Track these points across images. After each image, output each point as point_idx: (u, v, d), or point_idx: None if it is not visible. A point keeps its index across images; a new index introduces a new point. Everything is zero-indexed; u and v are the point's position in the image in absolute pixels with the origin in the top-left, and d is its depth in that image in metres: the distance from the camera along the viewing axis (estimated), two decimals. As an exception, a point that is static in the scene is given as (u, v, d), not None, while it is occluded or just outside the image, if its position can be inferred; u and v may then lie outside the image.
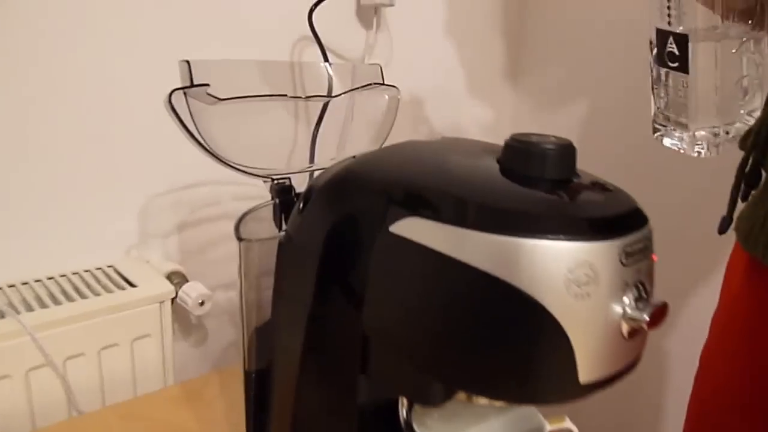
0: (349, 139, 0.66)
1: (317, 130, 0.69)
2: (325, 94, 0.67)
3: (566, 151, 0.39)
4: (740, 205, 0.59)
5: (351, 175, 0.43)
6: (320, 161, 0.64)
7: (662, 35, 0.44)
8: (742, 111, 0.47)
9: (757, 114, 0.46)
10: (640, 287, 0.38)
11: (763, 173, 0.57)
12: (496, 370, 0.37)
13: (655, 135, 0.48)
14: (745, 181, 0.58)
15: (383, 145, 0.65)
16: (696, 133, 0.47)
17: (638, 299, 0.37)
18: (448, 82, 1.20)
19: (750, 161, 0.57)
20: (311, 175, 0.61)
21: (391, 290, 0.40)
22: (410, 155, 0.44)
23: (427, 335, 0.39)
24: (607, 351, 0.37)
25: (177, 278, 0.84)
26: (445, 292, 0.38)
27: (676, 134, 0.45)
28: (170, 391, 0.76)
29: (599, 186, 0.40)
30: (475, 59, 1.22)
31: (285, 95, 0.62)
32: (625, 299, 0.37)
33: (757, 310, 0.58)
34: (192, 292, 0.80)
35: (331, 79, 0.68)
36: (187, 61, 0.52)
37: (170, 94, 0.51)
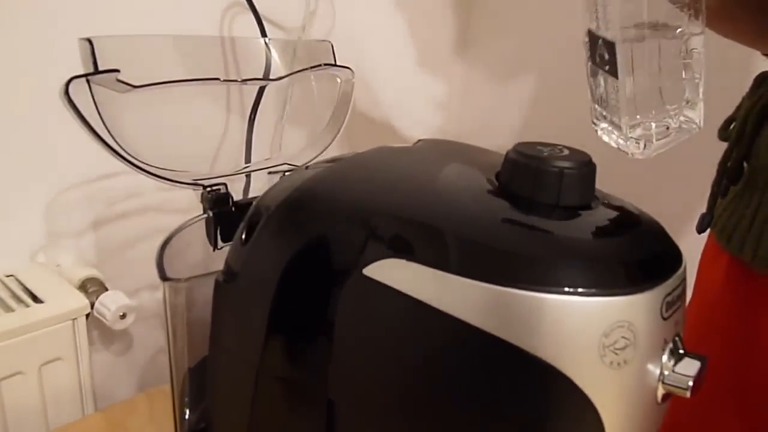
0: (292, 132, 0.56)
1: (253, 122, 0.58)
2: (264, 76, 0.57)
3: (587, 170, 0.31)
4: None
5: (312, 197, 0.33)
6: (257, 160, 0.54)
7: (593, 37, 0.39)
8: (677, 108, 0.44)
9: (699, 106, 0.43)
10: (677, 341, 0.31)
11: (746, 168, 0.52)
12: (503, 451, 0.30)
13: (595, 128, 0.43)
14: (727, 176, 0.52)
15: (337, 139, 0.55)
16: (631, 134, 0.44)
17: (676, 357, 0.30)
18: (395, 54, 1.09)
19: (732, 154, 0.51)
20: (248, 179, 0.50)
21: (365, 344, 0.32)
22: (387, 171, 0.34)
23: (410, 400, 0.31)
24: (639, 421, 0.30)
25: (93, 286, 0.72)
26: (437, 356, 0.30)
27: (614, 134, 0.40)
28: (90, 421, 0.65)
29: (624, 213, 0.32)
30: (423, 30, 1.13)
31: (217, 79, 0.51)
32: (664, 358, 0.29)
33: (738, 311, 0.53)
34: (111, 303, 0.69)
35: (270, 58, 0.57)
36: (89, 40, 0.41)
37: (67, 84, 0.39)
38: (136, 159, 0.43)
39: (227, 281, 0.35)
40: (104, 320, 0.69)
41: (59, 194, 0.75)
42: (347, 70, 0.56)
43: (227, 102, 0.56)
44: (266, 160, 0.52)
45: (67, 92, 0.39)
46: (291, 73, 0.54)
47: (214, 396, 0.37)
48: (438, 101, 1.18)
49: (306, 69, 0.55)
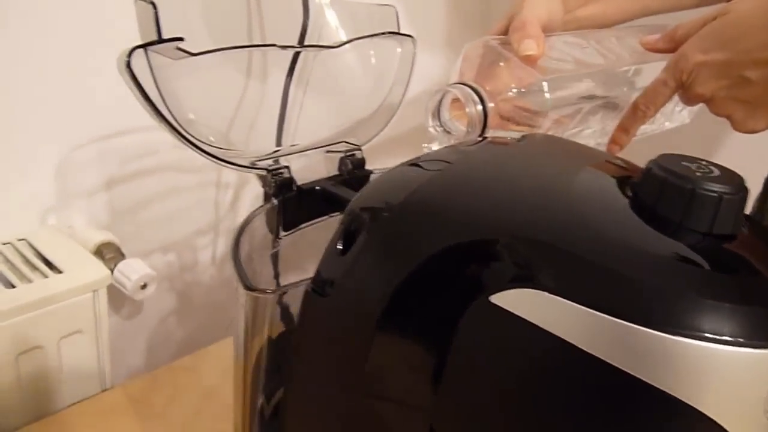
0: (353, 103, 0.51)
1: (287, 94, 0.52)
2: (299, 40, 0.51)
3: (744, 196, 0.28)
4: None
5: (430, 209, 0.29)
6: (307, 138, 0.49)
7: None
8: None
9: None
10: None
11: None
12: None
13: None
14: None
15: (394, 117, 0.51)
16: None
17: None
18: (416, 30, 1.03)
19: None
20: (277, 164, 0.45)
21: (482, 375, 0.29)
22: (509, 178, 0.31)
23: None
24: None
25: (110, 252, 0.68)
26: (571, 394, 0.27)
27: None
28: (110, 397, 0.62)
29: (775, 241, 0.29)
30: (442, 18, 1.06)
31: (274, 45, 0.46)
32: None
33: None
34: (131, 273, 0.65)
35: (306, 21, 0.51)
36: (153, 3, 0.35)
37: (129, 56, 0.34)
38: (196, 139, 0.39)
39: (321, 294, 0.31)
40: (124, 290, 0.65)
41: (70, 153, 0.69)
42: (409, 38, 0.51)
43: (263, 70, 0.51)
44: (319, 139, 0.48)
45: (129, 65, 0.34)
46: (352, 40, 0.49)
47: (291, 412, 0.34)
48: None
49: (369, 36, 0.50)
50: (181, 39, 0.37)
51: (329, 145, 0.48)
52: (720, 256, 0.27)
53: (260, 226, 0.43)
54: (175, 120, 0.37)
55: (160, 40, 0.35)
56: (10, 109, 0.63)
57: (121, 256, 0.69)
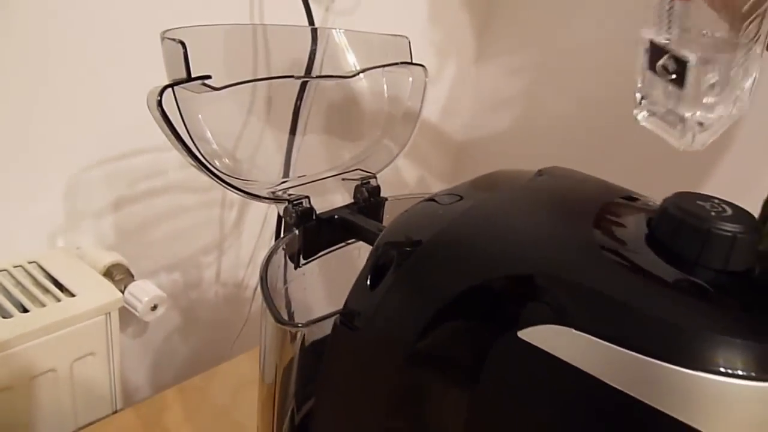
0: (367, 131, 0.52)
1: (296, 123, 0.53)
2: (307, 70, 0.52)
3: (755, 235, 0.29)
4: None
5: (458, 246, 0.31)
6: (338, 165, 0.50)
7: (656, 50, 0.38)
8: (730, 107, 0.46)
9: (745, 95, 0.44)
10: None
11: None
12: None
13: (639, 113, 0.43)
14: None
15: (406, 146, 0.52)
16: (682, 125, 0.45)
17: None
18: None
19: None
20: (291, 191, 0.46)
21: (508, 410, 0.30)
22: (531, 215, 0.32)
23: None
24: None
25: (119, 273, 0.68)
26: (600, 429, 0.28)
27: (666, 119, 0.41)
28: (122, 419, 0.63)
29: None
30: (441, 33, 1.08)
31: (291, 76, 0.47)
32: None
33: None
34: (142, 294, 0.66)
35: (314, 50, 0.52)
36: (182, 43, 0.36)
37: (161, 94, 0.35)
38: (220, 171, 0.40)
39: (350, 327, 0.32)
40: (135, 312, 0.65)
41: (78, 174, 0.70)
42: (421, 67, 0.53)
43: (283, 101, 0.52)
44: (342, 164, 0.49)
45: (160, 104, 0.35)
46: (365, 69, 0.51)
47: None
48: (452, 105, 1.14)
49: (381, 66, 0.51)
50: (209, 77, 0.38)
51: (344, 172, 0.49)
52: (734, 293, 0.29)
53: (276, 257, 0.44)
54: (202, 155, 0.38)
55: (189, 78, 0.36)
56: (18, 131, 0.63)
57: (131, 276, 0.70)
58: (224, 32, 0.48)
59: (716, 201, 0.31)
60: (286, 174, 0.53)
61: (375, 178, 0.49)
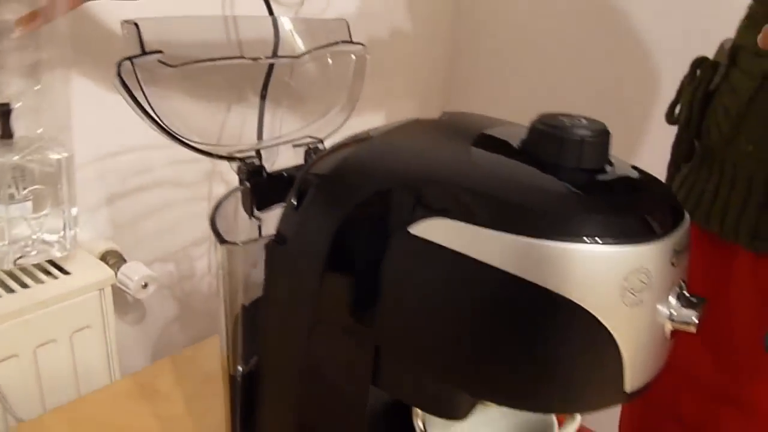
0: (316, 105, 0.59)
1: (264, 98, 0.60)
2: (273, 53, 0.59)
3: (604, 137, 0.35)
4: None
5: (359, 166, 0.37)
6: (289, 132, 0.57)
7: None
8: None
9: None
10: (683, 284, 0.35)
11: (697, 146, 0.57)
12: (536, 382, 0.34)
13: None
14: (680, 156, 0.58)
15: (351, 114, 0.59)
16: None
17: (682, 298, 0.35)
18: (389, 30, 1.12)
19: (684, 137, 0.56)
20: (257, 154, 0.52)
21: (411, 296, 0.36)
22: (423, 141, 0.38)
23: (454, 345, 0.35)
24: (652, 355, 0.35)
25: (113, 258, 0.75)
26: (478, 301, 0.34)
27: None
28: (120, 386, 0.69)
29: (635, 175, 0.37)
30: (419, 7, 1.15)
31: (242, 57, 0.54)
32: (671, 300, 0.34)
33: (708, 275, 0.58)
34: (133, 274, 0.72)
35: (278, 36, 0.59)
36: (136, 24, 0.43)
37: (119, 66, 0.42)
38: (180, 135, 0.46)
39: (280, 244, 0.39)
40: (127, 290, 0.72)
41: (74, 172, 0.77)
42: (361, 46, 0.59)
43: (241, 80, 0.59)
44: (288, 134, 0.56)
45: (119, 74, 0.42)
46: (310, 50, 0.58)
47: (268, 346, 0.41)
48: (432, 79, 1.22)
49: (325, 46, 0.58)
50: (160, 52, 0.45)
51: (296, 140, 0.55)
52: (586, 184, 0.34)
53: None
54: (161, 120, 0.45)
55: (144, 53, 0.43)
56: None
57: (124, 261, 0.76)
58: (187, 22, 0.55)
59: (576, 116, 0.37)
60: (259, 136, 0.59)
61: (322, 142, 0.55)
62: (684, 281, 0.35)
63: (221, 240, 0.39)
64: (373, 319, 0.37)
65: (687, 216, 0.36)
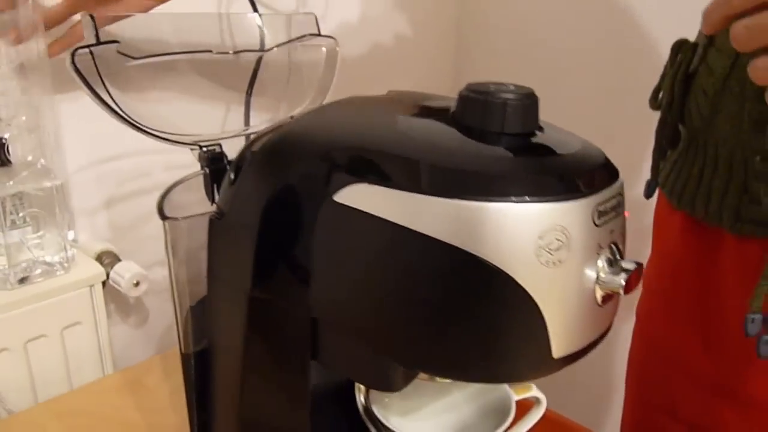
0: (287, 97, 0.60)
1: (251, 89, 0.62)
2: (257, 48, 0.61)
3: (528, 101, 0.35)
4: None
5: (288, 139, 0.37)
6: (257, 123, 0.58)
7: None
8: None
9: None
10: (614, 248, 0.35)
11: (682, 130, 0.56)
12: (461, 349, 0.34)
13: None
14: (665, 141, 0.56)
15: (324, 103, 0.59)
16: None
17: (612, 262, 0.34)
18: (386, 33, 1.13)
19: (667, 121, 0.55)
20: (247, 140, 0.55)
21: (340, 266, 0.36)
22: (354, 114, 0.39)
23: (383, 313, 0.35)
24: (581, 320, 0.34)
25: (108, 258, 0.77)
26: (400, 266, 0.34)
27: None
28: (109, 380, 0.71)
29: (565, 138, 0.36)
30: (416, 13, 1.16)
31: (210, 51, 0.56)
32: (599, 263, 0.33)
33: (695, 261, 0.57)
34: (125, 272, 0.74)
35: (263, 31, 0.61)
36: (91, 15, 0.45)
37: (73, 54, 0.44)
38: (138, 122, 0.48)
39: (219, 218, 0.39)
40: (119, 288, 0.74)
41: (70, 176, 0.80)
42: (331, 39, 0.60)
43: (228, 73, 0.61)
44: (260, 124, 0.57)
45: (72, 61, 0.43)
46: (278, 45, 0.59)
47: (213, 322, 0.42)
48: (436, 82, 1.22)
49: (293, 40, 0.59)
50: (116, 42, 0.46)
51: (267, 129, 0.56)
52: (507, 146, 0.34)
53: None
54: (119, 107, 0.47)
55: (98, 42, 0.45)
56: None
57: (119, 261, 0.78)
58: (162, 19, 0.57)
59: (511, 86, 0.37)
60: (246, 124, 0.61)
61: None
62: (615, 244, 0.35)
63: (163, 216, 0.40)
64: (307, 291, 0.37)
65: (620, 178, 0.35)
